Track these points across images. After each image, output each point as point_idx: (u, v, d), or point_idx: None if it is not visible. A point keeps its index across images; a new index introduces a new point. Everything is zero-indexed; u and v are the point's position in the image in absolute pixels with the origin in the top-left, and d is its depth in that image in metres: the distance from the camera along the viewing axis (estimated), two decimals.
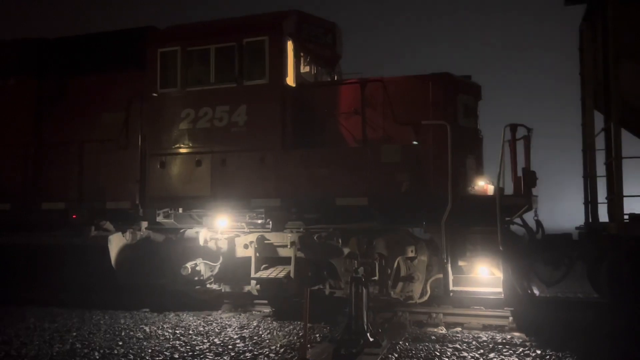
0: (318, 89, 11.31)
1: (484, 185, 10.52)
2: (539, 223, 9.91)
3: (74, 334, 9.13)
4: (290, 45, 10.86)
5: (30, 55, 12.28)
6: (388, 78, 10.59)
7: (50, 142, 11.91)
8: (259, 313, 10.91)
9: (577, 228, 10.60)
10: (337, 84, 11.64)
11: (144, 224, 11.42)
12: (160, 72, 11.18)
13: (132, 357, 7.73)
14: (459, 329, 9.53)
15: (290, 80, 10.81)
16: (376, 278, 9.96)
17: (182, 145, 11.01)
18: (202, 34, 11.15)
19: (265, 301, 11.27)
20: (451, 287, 9.97)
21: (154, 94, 11.15)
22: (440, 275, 10.05)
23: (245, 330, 9.34)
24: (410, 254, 10.20)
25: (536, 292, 9.76)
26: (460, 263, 10.13)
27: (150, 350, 8.03)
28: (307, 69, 11.55)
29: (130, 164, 11.29)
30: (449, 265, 9.83)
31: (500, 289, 9.67)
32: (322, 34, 11.72)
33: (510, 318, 9.57)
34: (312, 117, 10.85)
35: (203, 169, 10.88)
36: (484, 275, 9.99)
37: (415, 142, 10.01)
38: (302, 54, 11.34)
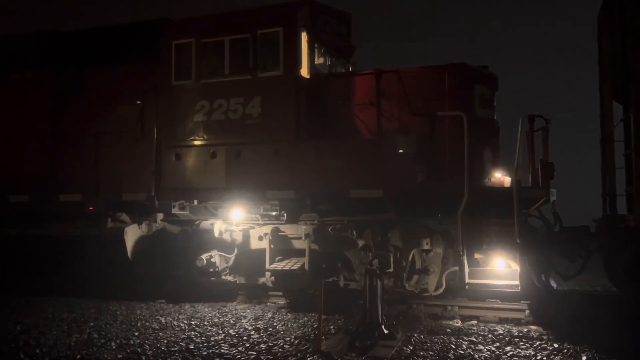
0: (332, 80, 11.23)
1: (500, 177, 10.43)
2: (556, 215, 9.81)
3: (91, 324, 9.19)
4: (304, 37, 10.79)
5: (46, 48, 12.34)
6: (404, 68, 10.50)
7: (66, 134, 11.97)
8: (273, 305, 10.92)
9: (594, 221, 10.47)
10: (351, 74, 11.54)
11: (160, 216, 11.43)
12: (174, 64, 11.17)
13: (147, 347, 7.75)
14: (474, 322, 9.48)
15: (304, 72, 10.75)
16: (390, 270, 9.91)
17: (197, 137, 11.02)
18: (216, 26, 11.12)
19: (280, 293, 11.26)
20: (467, 280, 9.91)
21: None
22: (456, 268, 9.97)
23: (259, 322, 9.35)
24: (426, 246, 10.13)
25: (553, 285, 9.67)
26: (477, 255, 10.06)
27: (165, 341, 8.07)
28: (321, 60, 11.47)
29: (146, 156, 11.31)
30: (465, 257, 9.76)
31: (517, 282, 9.60)
32: (337, 25, 11.67)
33: (527, 311, 9.48)
34: (326, 108, 10.81)
35: (218, 160, 10.89)
36: (500, 268, 9.92)
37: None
38: (316, 45, 11.27)
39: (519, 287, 9.55)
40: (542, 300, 9.42)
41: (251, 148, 10.69)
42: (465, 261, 9.77)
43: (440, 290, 10.17)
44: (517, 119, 9.58)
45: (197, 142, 11.03)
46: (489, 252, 9.93)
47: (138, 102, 11.46)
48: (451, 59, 10.62)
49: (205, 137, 10.97)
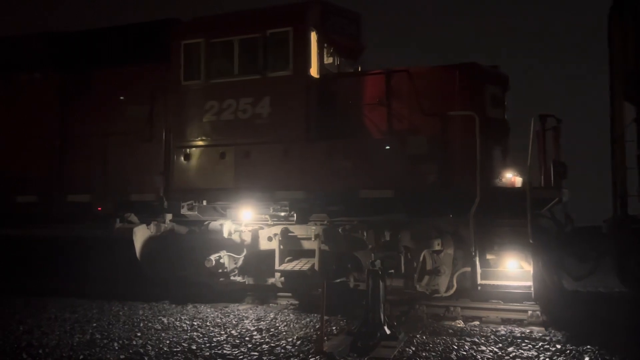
0: (342, 80, 11.17)
1: (511, 177, 10.26)
2: (567, 216, 9.63)
3: (94, 324, 9.20)
4: (314, 36, 10.73)
5: (54, 49, 12.41)
6: (414, 68, 10.42)
7: (75, 134, 12.00)
8: (275, 305, 10.86)
9: (604, 221, 10.24)
10: (361, 74, 11.48)
11: (168, 216, 11.45)
12: (183, 64, 11.16)
13: (150, 347, 7.73)
14: (477, 322, 9.33)
15: (314, 72, 10.69)
16: (392, 271, 9.78)
17: (206, 138, 11.00)
18: (225, 26, 11.11)
19: (286, 294, 11.19)
20: (479, 281, 9.75)
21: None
22: (467, 269, 9.81)
23: (262, 322, 9.29)
24: (437, 247, 9.98)
25: (566, 286, 9.47)
26: (489, 256, 9.92)
27: (168, 342, 8.03)
28: (330, 59, 11.40)
29: (155, 156, 11.32)
30: (477, 258, 9.60)
31: (529, 283, 9.42)
32: (347, 25, 11.58)
33: (529, 312, 9.30)
34: (336, 108, 10.73)
35: (227, 161, 10.85)
36: (512, 269, 9.75)
37: None
38: (325, 45, 11.20)
39: (532, 289, 9.37)
40: (552, 302, 9.24)
41: (260, 148, 10.64)
42: (477, 262, 9.62)
43: (451, 292, 10.01)
44: (529, 119, 9.42)
45: (206, 143, 11.01)
46: (501, 253, 9.78)
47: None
48: (462, 59, 10.51)
49: (214, 137, 10.94)
